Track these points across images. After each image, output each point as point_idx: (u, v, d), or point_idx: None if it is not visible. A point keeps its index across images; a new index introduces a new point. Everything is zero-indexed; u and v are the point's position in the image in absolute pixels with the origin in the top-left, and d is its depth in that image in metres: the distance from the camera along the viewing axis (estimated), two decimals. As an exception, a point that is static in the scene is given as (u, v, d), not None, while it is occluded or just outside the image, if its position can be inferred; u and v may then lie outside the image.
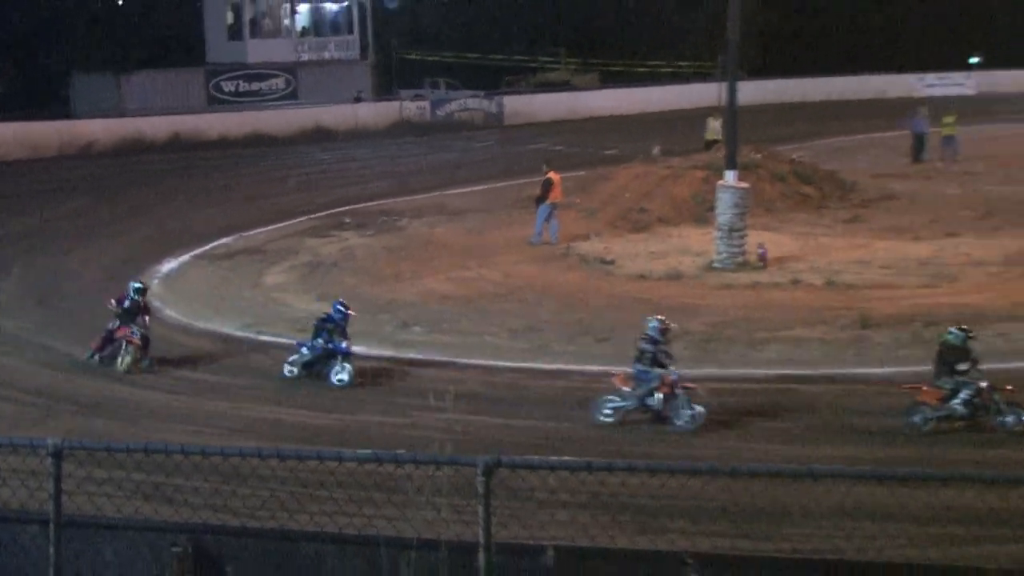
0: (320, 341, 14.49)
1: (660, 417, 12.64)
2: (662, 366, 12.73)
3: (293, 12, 45.20)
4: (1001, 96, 46.68)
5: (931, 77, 50.52)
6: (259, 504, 7.47)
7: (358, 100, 42.38)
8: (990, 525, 8.02)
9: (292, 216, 25.84)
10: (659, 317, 13.23)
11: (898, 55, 50.54)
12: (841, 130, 38.73)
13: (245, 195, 28.71)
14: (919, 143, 31.71)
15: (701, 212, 23.14)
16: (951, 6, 52.87)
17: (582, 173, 28.27)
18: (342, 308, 14.72)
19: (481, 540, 5.16)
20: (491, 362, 15.29)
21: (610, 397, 12.85)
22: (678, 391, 12.56)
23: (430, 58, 49.66)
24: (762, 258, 19.86)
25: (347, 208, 26.71)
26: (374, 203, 27.60)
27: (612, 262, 20.49)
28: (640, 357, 12.81)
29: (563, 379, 14.65)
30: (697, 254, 20.68)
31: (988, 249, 20.48)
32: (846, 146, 35.42)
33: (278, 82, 43.19)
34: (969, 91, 49.70)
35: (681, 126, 34.53)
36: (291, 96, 42.90)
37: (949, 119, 31.36)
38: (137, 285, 15.58)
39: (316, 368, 14.56)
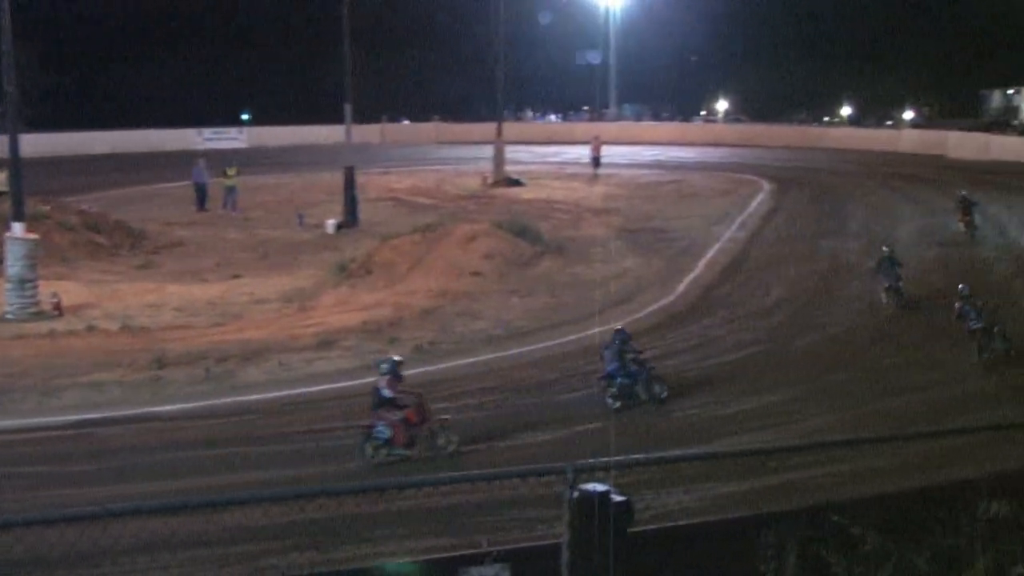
0: None
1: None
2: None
3: None
4: (269, 149, 52.07)
5: (208, 131, 54.05)
6: None
7: None
8: (287, 538, 8.94)
9: None
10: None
11: (178, 110, 53.46)
12: (130, 181, 39.91)
13: None
14: (201, 192, 33.90)
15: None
16: (224, 66, 57.80)
17: None
18: None
19: None
20: None
21: None
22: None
23: None
24: (56, 307, 20.08)
25: None
26: None
27: None
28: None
29: None
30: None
31: (267, 288, 23.12)
32: (136, 196, 36.54)
33: None
34: (242, 144, 54.08)
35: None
36: None
37: (231, 171, 34.09)
38: None
39: None
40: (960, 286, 18.23)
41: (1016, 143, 45.06)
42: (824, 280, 23.41)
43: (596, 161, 42.80)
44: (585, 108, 70.84)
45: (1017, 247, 25.44)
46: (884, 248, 21.73)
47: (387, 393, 13.15)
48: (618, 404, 14.90)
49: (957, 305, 17.68)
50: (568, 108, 72.57)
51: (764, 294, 22.43)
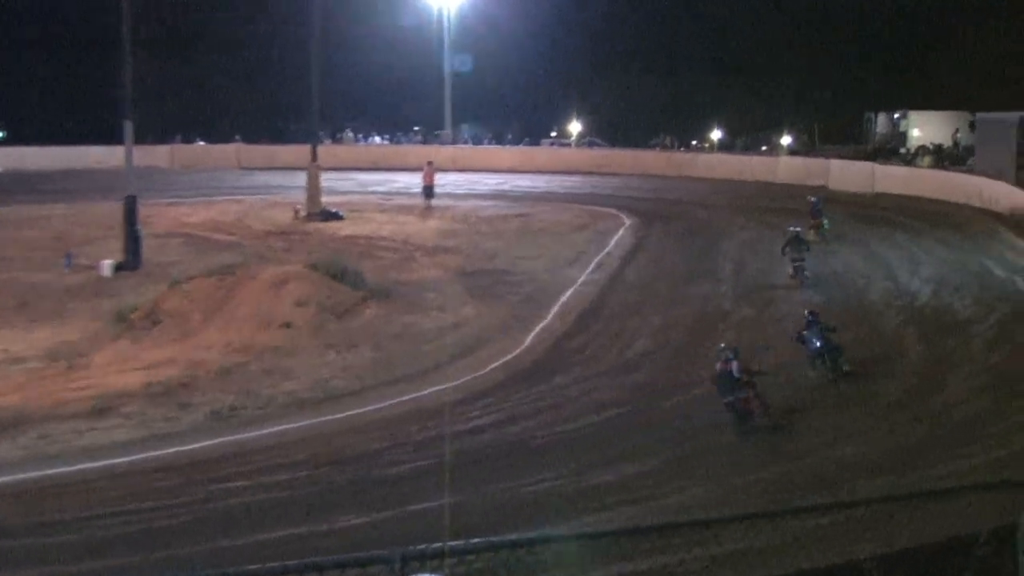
0: None
1: None
2: None
3: None
4: (28, 174, 49.64)
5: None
6: None
7: None
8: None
9: None
10: None
11: None
12: None
13: None
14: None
15: None
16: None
17: None
18: None
19: None
20: None
21: None
22: None
23: None
24: None
25: None
26: None
27: None
28: None
29: None
30: None
31: (26, 343, 22.41)
32: None
33: None
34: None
35: None
36: None
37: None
38: None
39: None
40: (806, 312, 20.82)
41: (903, 174, 47.79)
42: (694, 329, 24.20)
43: (429, 191, 43.08)
44: (416, 129, 71.36)
45: (896, 291, 26.91)
46: (791, 228, 28.10)
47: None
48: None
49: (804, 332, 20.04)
50: (396, 128, 73.06)
51: (626, 346, 23.01)
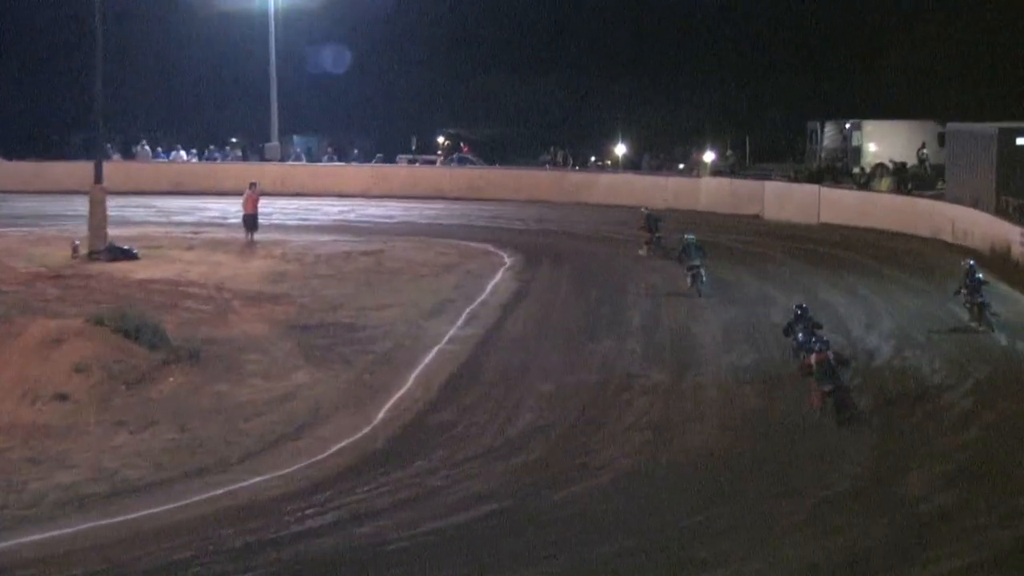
0: None
1: None
2: None
3: None
4: None
5: None
6: None
7: None
8: None
9: None
10: None
11: None
12: None
13: None
14: None
15: None
16: None
17: None
18: None
19: None
20: None
21: None
22: None
23: None
24: None
25: None
26: None
27: None
28: None
29: None
30: None
31: None
32: None
33: None
34: None
35: None
36: None
37: None
38: None
39: None
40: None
41: (856, 200, 48.91)
42: (593, 399, 24.42)
43: (252, 221, 42.87)
44: (233, 141, 70.95)
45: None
46: (687, 236, 34.38)
47: None
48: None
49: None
50: (209, 141, 72.49)
51: (507, 421, 23.09)
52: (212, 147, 70.85)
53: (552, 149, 71.35)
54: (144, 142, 68.12)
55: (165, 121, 72.26)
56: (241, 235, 42.43)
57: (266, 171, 56.83)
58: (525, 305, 32.97)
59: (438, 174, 63.85)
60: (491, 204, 53.39)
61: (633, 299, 33.66)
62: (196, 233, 44.35)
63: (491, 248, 41.09)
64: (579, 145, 74.14)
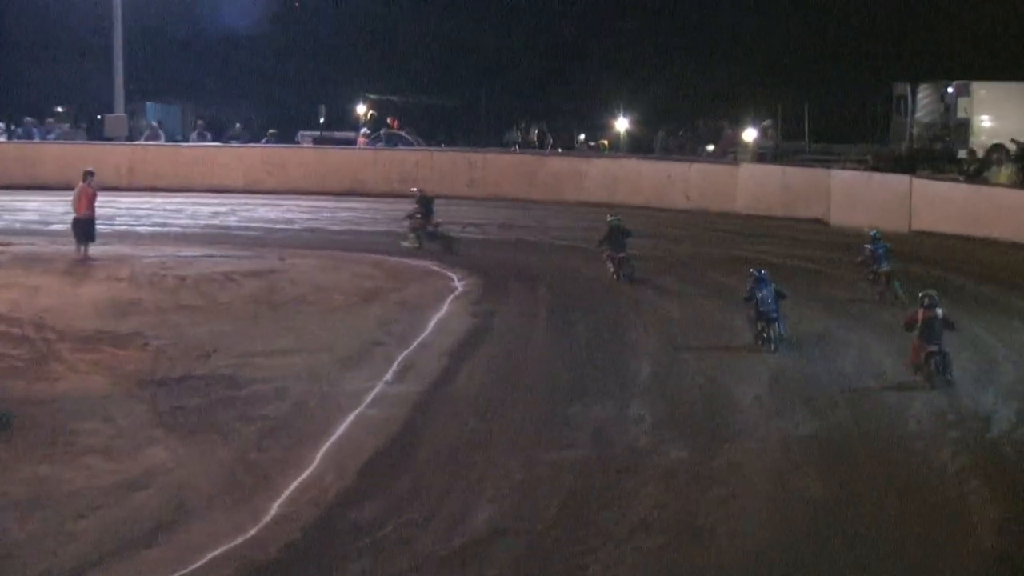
0: None
1: None
2: None
3: None
4: None
5: None
6: None
7: None
8: None
9: None
10: None
11: None
12: None
13: None
14: None
15: None
16: None
17: None
18: None
19: None
20: None
21: None
22: None
23: None
24: None
25: None
26: None
27: None
28: None
29: None
30: None
31: None
32: None
33: None
34: None
35: None
36: None
37: None
38: None
39: None
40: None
41: (964, 196, 49.04)
42: (581, 488, 24.39)
43: (86, 228, 42.85)
44: (58, 112, 70.94)
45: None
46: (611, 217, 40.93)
47: None
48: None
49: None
50: (21, 114, 72.37)
51: (454, 522, 23.00)
52: (28, 119, 70.80)
53: (523, 124, 71.67)
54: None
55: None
56: (70, 247, 42.37)
57: (107, 155, 56.86)
58: (484, 349, 32.98)
59: (357, 159, 64.05)
60: (435, 203, 53.46)
61: (639, 339, 33.69)
62: (3, 245, 44.28)
63: (434, 267, 41.20)
64: (562, 119, 74.41)
